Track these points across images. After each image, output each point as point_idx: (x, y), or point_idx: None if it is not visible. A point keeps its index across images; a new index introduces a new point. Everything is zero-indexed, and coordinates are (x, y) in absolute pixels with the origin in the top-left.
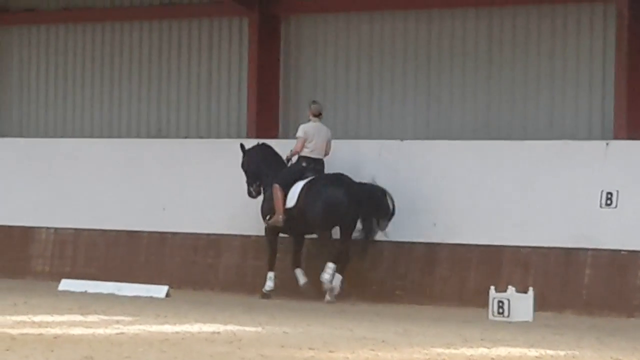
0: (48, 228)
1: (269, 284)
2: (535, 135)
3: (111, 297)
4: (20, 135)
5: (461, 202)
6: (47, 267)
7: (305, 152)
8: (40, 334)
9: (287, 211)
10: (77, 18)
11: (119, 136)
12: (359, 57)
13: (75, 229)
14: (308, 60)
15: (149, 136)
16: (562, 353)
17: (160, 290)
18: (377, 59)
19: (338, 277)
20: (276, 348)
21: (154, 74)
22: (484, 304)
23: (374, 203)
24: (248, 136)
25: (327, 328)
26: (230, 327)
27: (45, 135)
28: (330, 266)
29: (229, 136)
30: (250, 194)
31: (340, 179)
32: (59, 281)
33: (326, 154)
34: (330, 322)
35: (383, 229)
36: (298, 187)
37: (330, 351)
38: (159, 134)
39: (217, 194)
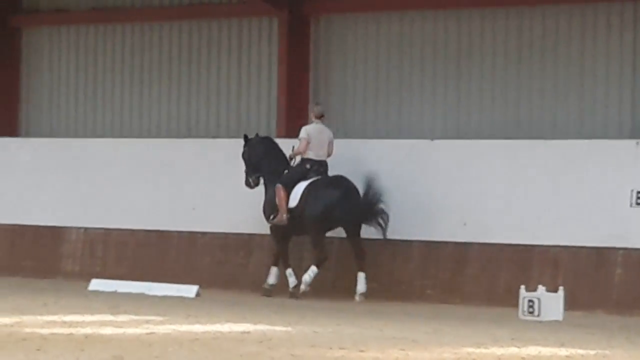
0: (78, 228)
1: (292, 280)
2: (565, 135)
3: (141, 296)
4: (51, 136)
5: (491, 201)
6: (77, 267)
7: (309, 154)
8: (71, 334)
9: (289, 211)
10: (107, 18)
11: (149, 136)
12: (389, 56)
13: (106, 229)
14: (338, 59)
15: (179, 136)
16: (592, 352)
17: (190, 290)
18: (406, 58)
19: (362, 275)
20: (306, 348)
21: (183, 74)
22: (514, 303)
23: (370, 207)
24: (278, 135)
25: (357, 328)
26: (260, 327)
27: (75, 135)
28: (313, 270)
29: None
30: (247, 184)
31: (339, 181)
32: (89, 281)
33: (329, 155)
34: (360, 321)
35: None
36: (300, 187)
37: (361, 351)
38: (189, 134)
39: (247, 194)
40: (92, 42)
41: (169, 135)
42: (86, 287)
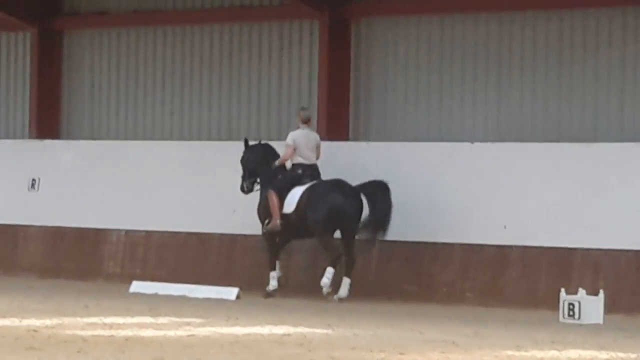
0: (119, 230)
1: (273, 284)
2: (606, 138)
3: (182, 299)
4: (92, 138)
5: (532, 204)
6: (118, 269)
7: (298, 160)
8: (112, 336)
9: (284, 216)
10: (148, 21)
11: (190, 139)
12: (430, 59)
13: (146, 231)
14: (378, 62)
15: (219, 139)
16: (633, 356)
17: (230, 292)
18: (447, 61)
19: (346, 280)
20: (346, 350)
21: (224, 76)
22: (555, 306)
23: (381, 217)
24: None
25: (397, 330)
26: (300, 329)
27: (116, 138)
28: (330, 271)
29: None
30: (242, 189)
31: (339, 184)
32: (129, 283)
33: (317, 158)
34: (400, 324)
35: (380, 236)
36: (297, 192)
37: (401, 353)
38: (229, 137)
39: None
40: (133, 45)
41: (209, 137)
42: (127, 289)
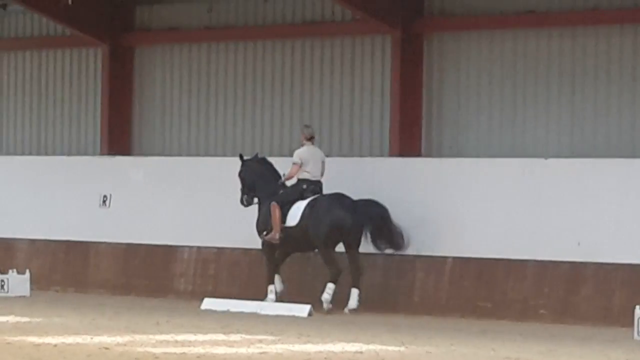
0: (191, 247)
1: (271, 297)
2: None
3: (253, 316)
4: (163, 154)
5: (606, 220)
6: (190, 286)
7: (305, 175)
8: (183, 353)
9: (285, 229)
10: (219, 36)
11: (262, 154)
12: (502, 74)
13: (218, 248)
14: (450, 77)
15: (290, 155)
16: None
17: (302, 309)
18: (520, 76)
19: (355, 291)
20: None
21: (295, 92)
22: (629, 323)
23: (376, 219)
24: (391, 154)
25: (470, 348)
26: (373, 347)
27: (187, 154)
28: (330, 286)
29: (371, 154)
30: (242, 202)
31: (341, 199)
32: (201, 300)
33: (321, 174)
34: (473, 341)
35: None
36: (300, 206)
37: None
38: None
39: None
40: (204, 60)
41: (280, 154)
42: (198, 306)
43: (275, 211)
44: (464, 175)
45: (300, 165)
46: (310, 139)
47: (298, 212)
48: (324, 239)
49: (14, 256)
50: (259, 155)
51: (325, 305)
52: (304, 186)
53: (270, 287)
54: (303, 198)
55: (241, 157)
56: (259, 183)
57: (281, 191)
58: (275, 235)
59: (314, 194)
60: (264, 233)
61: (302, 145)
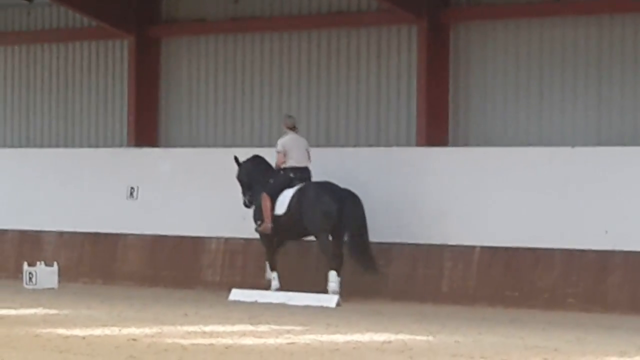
0: (218, 238)
1: (275, 284)
2: None
3: (281, 306)
4: (190, 146)
5: (633, 208)
6: (218, 277)
7: (291, 163)
8: (212, 344)
9: (275, 218)
10: (246, 28)
11: None
12: (529, 63)
13: (245, 239)
14: (477, 67)
15: (317, 145)
16: None
17: (330, 300)
18: (547, 65)
19: (333, 273)
20: (448, 357)
21: (322, 82)
22: None
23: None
24: (417, 144)
25: (498, 337)
26: (401, 337)
27: (214, 145)
28: (333, 274)
29: (398, 144)
30: (244, 204)
31: (330, 186)
32: (229, 291)
33: (308, 160)
34: (501, 330)
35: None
36: (287, 195)
37: None
38: (327, 143)
39: (387, 201)
40: (231, 52)
41: (309, 143)
42: (226, 297)
43: (266, 202)
44: (491, 164)
45: (285, 154)
46: (292, 128)
47: (285, 200)
48: (319, 223)
49: (42, 249)
50: (254, 154)
51: (335, 296)
52: (291, 174)
53: (274, 274)
54: (291, 186)
55: (236, 160)
56: (255, 179)
57: (271, 180)
58: (267, 225)
59: (301, 182)
60: (258, 223)
61: (285, 134)
